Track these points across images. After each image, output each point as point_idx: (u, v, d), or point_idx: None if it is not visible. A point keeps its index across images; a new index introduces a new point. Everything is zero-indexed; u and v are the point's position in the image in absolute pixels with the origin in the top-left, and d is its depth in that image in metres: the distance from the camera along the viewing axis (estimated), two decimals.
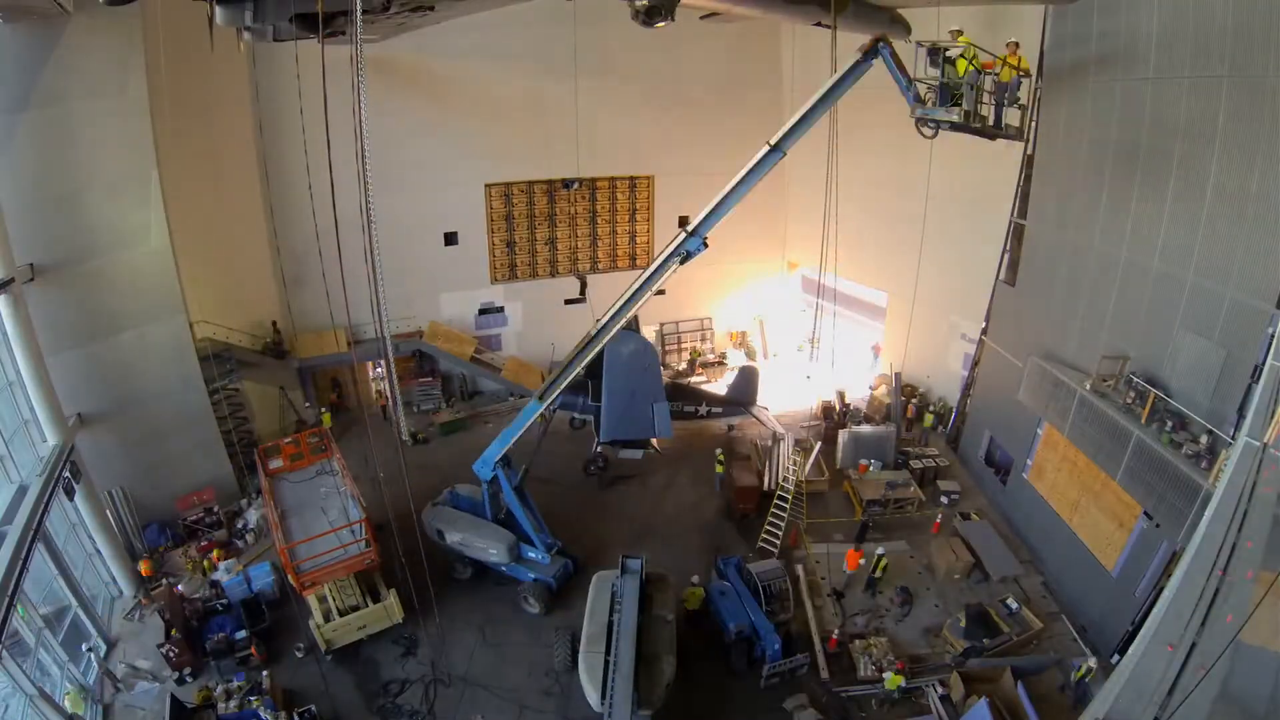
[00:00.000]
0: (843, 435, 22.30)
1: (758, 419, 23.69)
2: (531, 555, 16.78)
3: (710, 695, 14.72)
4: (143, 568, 17.08)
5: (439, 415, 25.35)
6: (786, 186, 29.35)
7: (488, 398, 26.94)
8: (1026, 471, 18.86)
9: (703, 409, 23.36)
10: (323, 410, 23.48)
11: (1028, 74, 15.20)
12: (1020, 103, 14.71)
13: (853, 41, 14.40)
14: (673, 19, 13.06)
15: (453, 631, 15.87)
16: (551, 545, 16.93)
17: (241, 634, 15.20)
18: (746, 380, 24.10)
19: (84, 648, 14.73)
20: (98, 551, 16.32)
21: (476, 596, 17.05)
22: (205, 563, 17.83)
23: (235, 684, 14.21)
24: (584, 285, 27.40)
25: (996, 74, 14.22)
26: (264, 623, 15.65)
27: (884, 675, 14.65)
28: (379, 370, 25.81)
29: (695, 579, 16.57)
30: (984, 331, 21.67)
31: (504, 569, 16.80)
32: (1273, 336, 11.54)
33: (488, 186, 25.61)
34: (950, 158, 22.06)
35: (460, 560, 17.09)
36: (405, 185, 23.18)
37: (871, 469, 21.38)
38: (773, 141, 14.13)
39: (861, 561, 17.48)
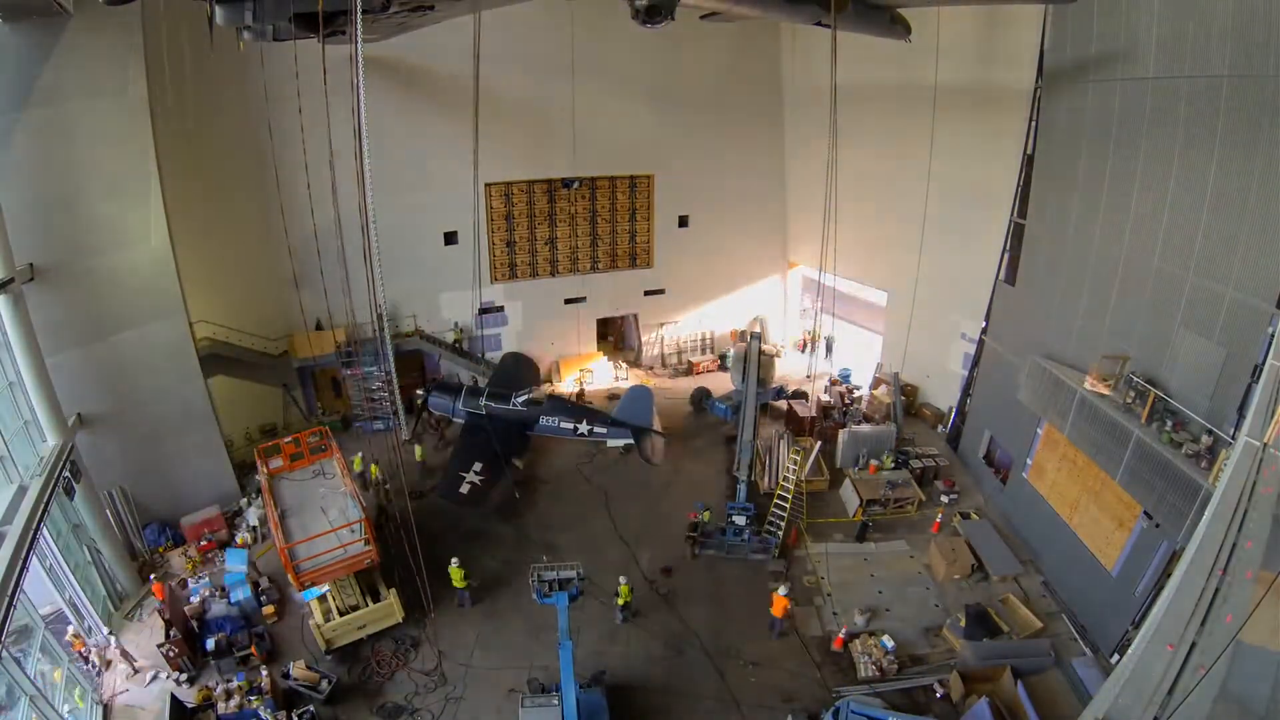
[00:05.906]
0: (843, 435, 22.31)
1: (640, 450, 20.55)
2: None
3: None
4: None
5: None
6: (787, 187, 29.41)
7: None
8: (1026, 471, 18.86)
9: (582, 427, 20.52)
10: None
11: None
12: None
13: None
14: (672, 18, 13.03)
15: (452, 631, 15.90)
16: None
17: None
18: (638, 402, 20.97)
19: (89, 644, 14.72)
20: (98, 551, 16.32)
21: (477, 594, 17.07)
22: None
23: (235, 684, 14.21)
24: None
25: None
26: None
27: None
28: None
29: None
30: (984, 331, 21.68)
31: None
32: (1273, 336, 11.54)
33: (488, 186, 25.59)
34: (951, 158, 22.11)
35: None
36: (405, 185, 23.17)
37: None
38: None
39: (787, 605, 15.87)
